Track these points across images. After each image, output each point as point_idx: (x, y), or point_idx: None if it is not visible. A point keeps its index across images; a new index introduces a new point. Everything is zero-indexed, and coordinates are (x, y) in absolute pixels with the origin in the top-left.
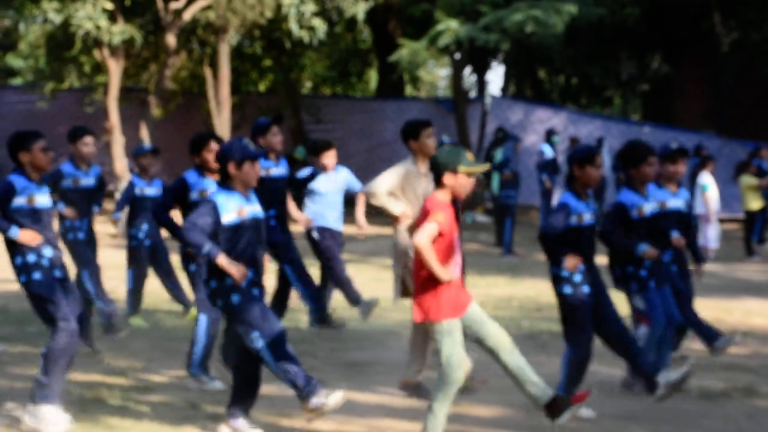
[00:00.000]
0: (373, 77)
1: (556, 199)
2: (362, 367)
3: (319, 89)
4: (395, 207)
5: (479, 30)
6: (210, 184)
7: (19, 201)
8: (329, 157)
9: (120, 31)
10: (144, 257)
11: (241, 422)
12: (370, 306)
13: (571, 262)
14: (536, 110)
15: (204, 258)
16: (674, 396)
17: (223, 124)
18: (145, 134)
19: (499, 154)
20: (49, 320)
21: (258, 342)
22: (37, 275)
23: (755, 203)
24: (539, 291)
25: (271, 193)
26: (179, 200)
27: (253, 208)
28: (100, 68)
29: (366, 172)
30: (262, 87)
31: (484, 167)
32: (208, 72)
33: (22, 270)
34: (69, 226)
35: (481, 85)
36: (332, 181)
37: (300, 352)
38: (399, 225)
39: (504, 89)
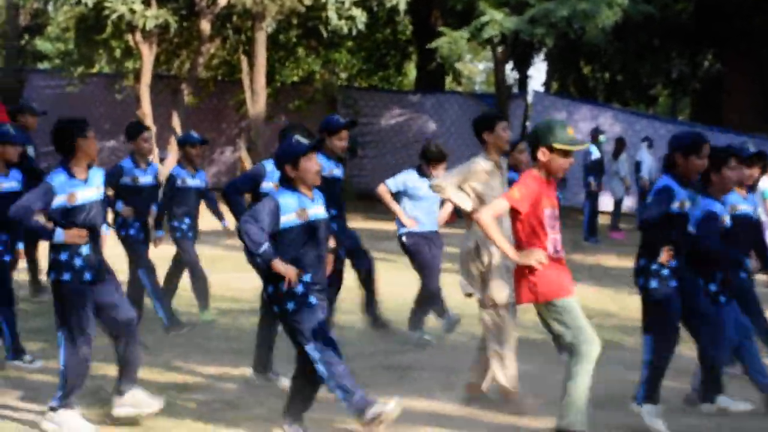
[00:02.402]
0: (411, 70)
1: (601, 201)
2: (405, 371)
3: (355, 81)
4: (464, 202)
5: (525, 23)
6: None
7: (60, 199)
8: (440, 170)
9: (154, 15)
10: (190, 249)
11: (295, 429)
12: (453, 323)
13: (667, 255)
14: (580, 108)
15: (258, 258)
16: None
17: (258, 113)
18: (177, 123)
19: None
20: (63, 324)
21: (314, 354)
22: (66, 276)
23: None
24: (586, 297)
25: (332, 194)
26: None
27: (316, 210)
28: (130, 53)
29: (402, 168)
30: (296, 77)
31: (583, 145)
32: (243, 60)
33: (53, 266)
34: (122, 223)
35: (523, 80)
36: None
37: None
38: (470, 221)
39: (546, 85)
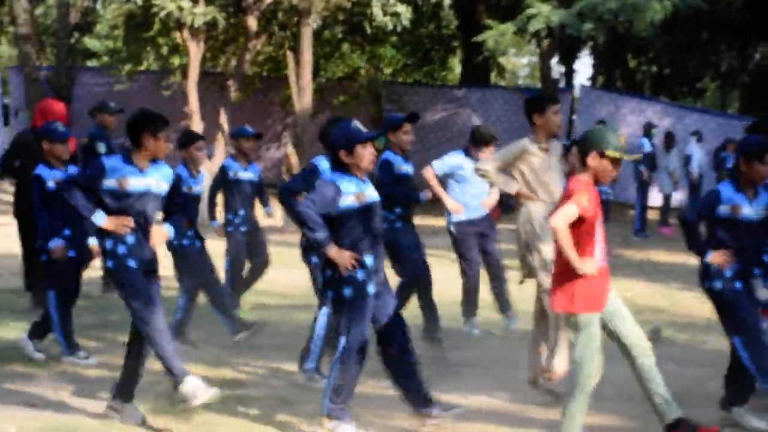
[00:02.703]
0: (455, 65)
1: (650, 197)
2: (457, 367)
3: (400, 76)
4: (509, 185)
5: (573, 16)
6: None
7: (110, 182)
8: (487, 153)
9: (202, 12)
10: (242, 243)
11: (349, 427)
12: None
13: (717, 259)
14: (627, 102)
15: (314, 243)
16: None
17: (304, 109)
18: (224, 119)
19: None
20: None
21: (341, 349)
22: (110, 263)
23: None
24: (636, 293)
25: (403, 192)
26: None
27: (371, 192)
28: (177, 50)
29: None
30: (340, 72)
31: (635, 156)
32: (289, 56)
33: (106, 255)
34: (176, 233)
35: (569, 74)
36: None
37: None
38: (520, 204)
39: (592, 79)
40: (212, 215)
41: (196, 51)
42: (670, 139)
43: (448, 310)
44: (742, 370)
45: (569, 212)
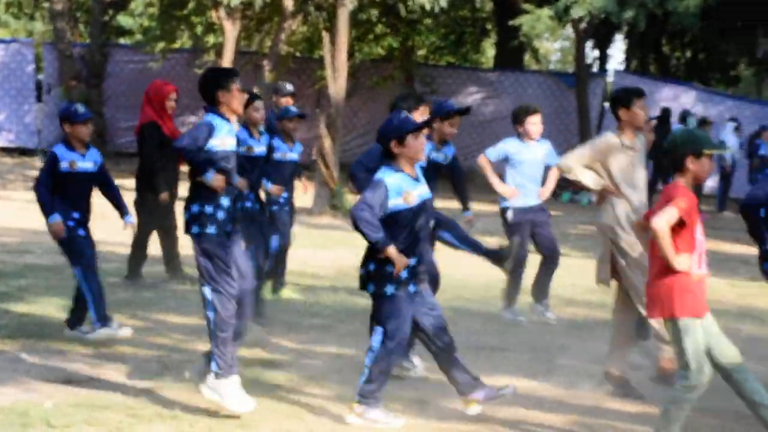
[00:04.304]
0: (488, 48)
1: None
2: (493, 352)
3: (433, 58)
4: (593, 181)
5: (614, 3)
6: None
7: (213, 142)
8: (533, 124)
9: None
10: (286, 223)
11: (378, 412)
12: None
13: None
14: (662, 87)
15: (373, 245)
16: None
17: (338, 90)
18: None
19: None
20: (208, 281)
21: (376, 345)
22: (211, 229)
23: None
24: None
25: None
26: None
27: (421, 191)
28: (212, 29)
29: (478, 147)
30: (374, 54)
31: (729, 149)
32: (325, 36)
33: (196, 220)
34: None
35: (603, 59)
36: (533, 151)
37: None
38: (602, 201)
39: (626, 64)
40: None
41: (231, 30)
42: (703, 126)
43: (481, 294)
44: None
45: (670, 214)
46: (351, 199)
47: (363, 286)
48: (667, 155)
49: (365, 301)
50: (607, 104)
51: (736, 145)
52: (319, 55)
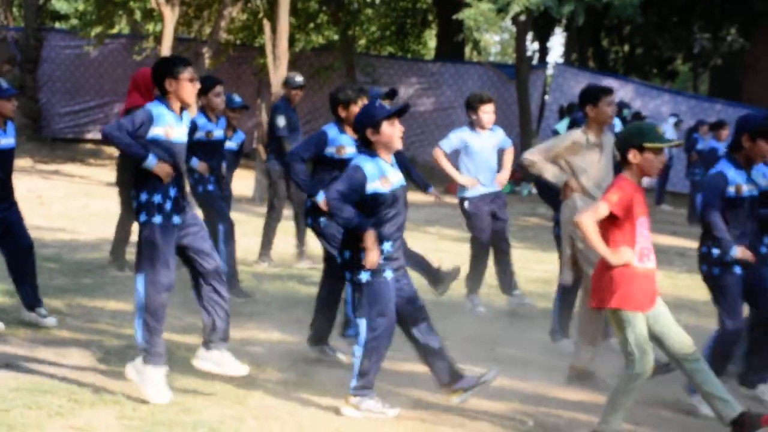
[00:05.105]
0: (430, 40)
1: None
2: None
3: (374, 49)
4: (555, 177)
5: None
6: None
7: (156, 131)
8: (486, 112)
9: None
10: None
11: (372, 402)
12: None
13: (743, 253)
14: (602, 81)
15: (353, 229)
16: None
17: (279, 79)
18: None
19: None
20: (144, 269)
21: (363, 332)
22: (157, 219)
23: None
24: None
25: None
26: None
27: (397, 177)
28: (150, 15)
29: (421, 138)
30: (315, 44)
31: (676, 142)
32: (266, 25)
33: (144, 208)
34: (199, 178)
35: (543, 51)
36: (485, 140)
37: None
38: (565, 198)
39: (566, 58)
40: None
41: (170, 16)
42: (638, 120)
43: (424, 281)
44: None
45: (599, 210)
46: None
47: (341, 273)
48: (617, 146)
49: (307, 289)
50: (547, 96)
51: (677, 141)
52: (260, 43)
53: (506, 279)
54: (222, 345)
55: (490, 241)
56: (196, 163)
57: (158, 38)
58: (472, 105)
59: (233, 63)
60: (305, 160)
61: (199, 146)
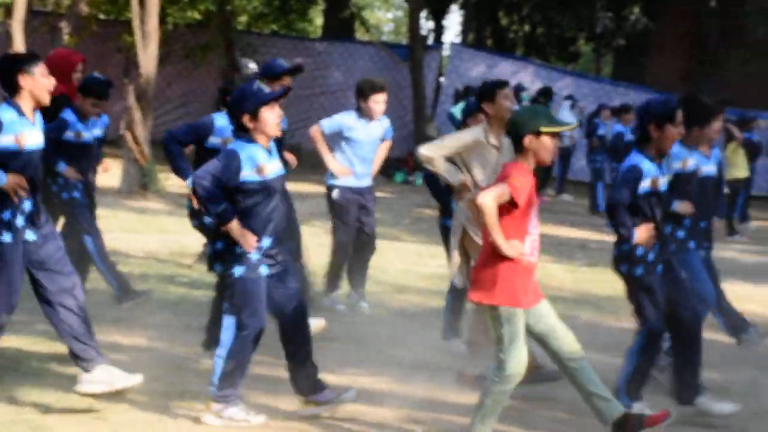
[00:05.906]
0: (316, 16)
1: None
2: (317, 342)
3: (256, 26)
4: (453, 176)
5: None
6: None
7: (6, 139)
8: (377, 102)
9: None
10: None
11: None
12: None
13: (644, 234)
14: (500, 62)
15: (214, 218)
16: None
17: (149, 58)
18: None
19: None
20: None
21: (229, 330)
22: (7, 237)
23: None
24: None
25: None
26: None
27: (275, 166)
28: None
29: (304, 121)
30: (190, 19)
31: (571, 126)
32: None
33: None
34: (63, 184)
35: (438, 31)
36: (371, 130)
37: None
38: (459, 198)
39: (462, 37)
40: None
41: None
42: (544, 100)
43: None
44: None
45: (500, 191)
46: (163, 178)
47: (210, 266)
48: (509, 133)
49: (178, 291)
50: (443, 78)
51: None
52: (127, 18)
53: (359, 277)
54: (101, 359)
55: (354, 236)
56: (63, 167)
57: (8, 10)
58: (363, 92)
59: (97, 39)
60: (183, 144)
61: (67, 147)
